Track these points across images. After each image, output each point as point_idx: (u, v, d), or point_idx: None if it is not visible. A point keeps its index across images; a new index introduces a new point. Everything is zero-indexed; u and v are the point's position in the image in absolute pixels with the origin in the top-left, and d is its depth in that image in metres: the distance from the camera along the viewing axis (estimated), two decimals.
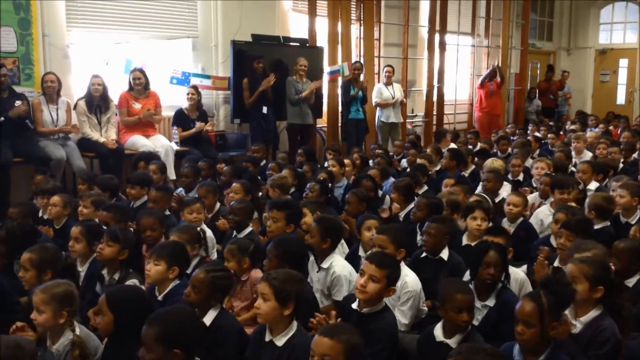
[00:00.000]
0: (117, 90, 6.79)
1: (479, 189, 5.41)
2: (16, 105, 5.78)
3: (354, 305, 2.83)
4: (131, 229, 3.89)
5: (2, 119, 5.71)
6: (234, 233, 4.10)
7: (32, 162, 5.85)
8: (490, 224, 3.93)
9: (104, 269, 3.41)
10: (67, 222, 4.34)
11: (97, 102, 6.44)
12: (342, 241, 3.99)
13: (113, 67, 6.93)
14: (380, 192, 5.44)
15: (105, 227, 3.70)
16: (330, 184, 5.32)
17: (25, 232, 3.62)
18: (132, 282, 3.25)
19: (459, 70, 11.61)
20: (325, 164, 6.53)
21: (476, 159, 6.76)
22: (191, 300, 2.73)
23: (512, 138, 8.68)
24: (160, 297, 3.03)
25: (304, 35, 8.54)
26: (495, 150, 7.80)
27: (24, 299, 3.12)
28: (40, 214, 4.61)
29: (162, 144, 6.68)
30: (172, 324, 2.26)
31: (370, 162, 6.85)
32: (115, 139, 6.51)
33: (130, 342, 2.45)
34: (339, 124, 8.73)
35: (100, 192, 4.74)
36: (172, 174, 6.47)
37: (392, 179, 5.81)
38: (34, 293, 2.60)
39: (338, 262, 3.49)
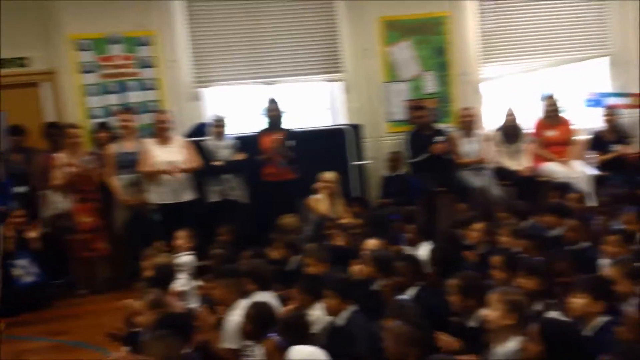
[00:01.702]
0: (529, 118, 6.88)
1: None
2: (436, 140, 6.46)
3: None
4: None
5: (427, 155, 6.45)
6: None
7: (454, 191, 6.36)
8: None
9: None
10: (488, 248, 4.51)
11: (510, 131, 6.66)
12: None
13: (523, 96, 7.07)
14: None
15: (523, 256, 3.74)
16: None
17: (450, 256, 3.96)
18: (554, 314, 3.17)
19: None
20: None
21: None
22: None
23: None
24: (588, 333, 2.87)
25: None
26: None
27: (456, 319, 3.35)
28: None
29: (579, 170, 6.45)
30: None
31: None
32: (530, 166, 6.57)
33: None
34: None
35: (517, 220, 4.81)
36: (591, 201, 6.14)
37: None
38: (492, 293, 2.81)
39: None
